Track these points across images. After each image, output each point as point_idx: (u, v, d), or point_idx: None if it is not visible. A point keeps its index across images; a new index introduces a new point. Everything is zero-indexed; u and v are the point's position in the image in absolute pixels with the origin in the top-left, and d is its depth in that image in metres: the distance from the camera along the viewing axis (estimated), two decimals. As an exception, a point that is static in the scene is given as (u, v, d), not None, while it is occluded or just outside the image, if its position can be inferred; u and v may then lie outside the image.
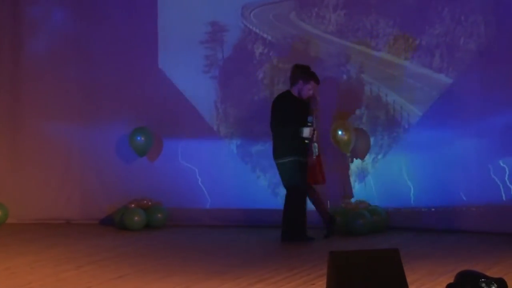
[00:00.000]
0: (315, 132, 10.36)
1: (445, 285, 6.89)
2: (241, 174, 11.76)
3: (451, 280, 6.91)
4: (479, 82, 10.70)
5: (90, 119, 12.27)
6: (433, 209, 10.83)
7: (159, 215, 11.70)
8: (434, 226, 10.84)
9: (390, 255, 6.83)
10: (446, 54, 10.89)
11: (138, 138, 11.86)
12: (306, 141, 10.29)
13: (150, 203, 11.75)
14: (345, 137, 11.12)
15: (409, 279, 6.75)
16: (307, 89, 10.32)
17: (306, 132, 10.26)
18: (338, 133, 11.13)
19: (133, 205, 11.66)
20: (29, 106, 12.40)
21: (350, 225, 10.80)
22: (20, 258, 10.03)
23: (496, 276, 6.96)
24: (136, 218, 11.53)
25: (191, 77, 11.92)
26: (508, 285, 6.88)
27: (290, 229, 10.35)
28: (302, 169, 10.35)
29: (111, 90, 12.19)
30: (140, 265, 9.54)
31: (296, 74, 10.35)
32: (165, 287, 8.59)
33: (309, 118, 10.31)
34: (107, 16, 12.23)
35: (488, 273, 7.00)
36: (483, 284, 6.74)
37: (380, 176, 11.25)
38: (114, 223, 11.78)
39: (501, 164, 10.62)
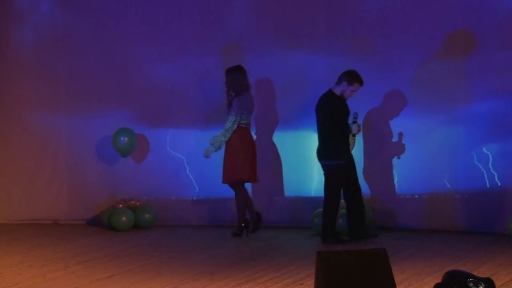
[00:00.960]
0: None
1: (432, 285, 6.90)
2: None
3: (439, 280, 6.91)
4: (463, 70, 10.70)
5: (76, 112, 12.20)
6: (416, 196, 10.83)
7: (147, 215, 11.69)
8: (420, 226, 10.86)
9: (377, 255, 6.83)
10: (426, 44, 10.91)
11: (122, 138, 11.81)
12: (353, 137, 10.40)
13: (138, 203, 11.73)
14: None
15: (396, 279, 6.76)
16: (350, 91, 10.32)
17: (355, 128, 10.29)
18: None
19: (120, 205, 11.65)
20: (15, 98, 12.35)
21: (336, 224, 10.78)
22: (8, 259, 10.01)
23: (483, 275, 6.98)
24: (123, 218, 11.52)
25: (178, 68, 11.88)
26: (496, 284, 6.90)
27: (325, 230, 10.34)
28: (340, 172, 10.36)
29: (97, 81, 12.13)
30: (128, 265, 9.53)
31: (342, 75, 10.34)
32: (153, 286, 8.58)
33: (354, 115, 10.35)
34: (93, 6, 12.16)
35: (475, 273, 7.02)
36: (471, 284, 6.75)
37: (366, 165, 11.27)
38: (102, 224, 11.77)
39: (485, 151, 10.64)
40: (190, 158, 11.80)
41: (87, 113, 12.16)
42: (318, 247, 7.80)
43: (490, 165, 10.59)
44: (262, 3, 11.61)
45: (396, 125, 11.03)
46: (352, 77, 10.25)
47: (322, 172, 10.61)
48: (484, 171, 10.66)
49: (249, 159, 10.87)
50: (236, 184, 10.88)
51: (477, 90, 10.65)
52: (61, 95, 12.24)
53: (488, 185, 10.65)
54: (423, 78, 10.88)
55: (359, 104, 10.76)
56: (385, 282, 6.71)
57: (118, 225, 11.49)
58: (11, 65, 12.35)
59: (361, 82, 10.30)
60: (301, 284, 8.37)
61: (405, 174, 11.05)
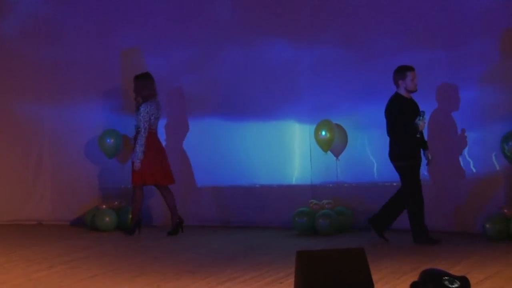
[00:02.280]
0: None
1: (409, 283, 6.93)
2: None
3: (415, 278, 6.95)
4: (441, 60, 10.81)
5: (61, 107, 12.19)
6: (394, 184, 10.90)
7: (129, 215, 11.67)
8: (398, 226, 10.89)
9: (356, 254, 6.87)
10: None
11: (108, 140, 11.82)
12: (418, 135, 10.19)
13: (121, 204, 11.73)
14: (328, 136, 11.17)
15: (374, 277, 6.79)
16: (409, 82, 10.20)
17: (421, 125, 10.16)
18: (321, 133, 11.18)
19: (104, 206, 11.64)
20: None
21: (316, 224, 10.85)
22: (-8, 259, 10.01)
23: (459, 274, 7.02)
24: (107, 219, 11.51)
25: (162, 56, 11.91)
26: (471, 282, 6.95)
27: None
28: (415, 171, 10.29)
29: (82, 71, 12.14)
30: (111, 265, 9.53)
31: (394, 79, 10.29)
32: (137, 285, 8.60)
33: (421, 113, 10.18)
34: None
35: (451, 271, 7.06)
36: (446, 282, 6.79)
37: (344, 153, 11.33)
38: (85, 224, 11.74)
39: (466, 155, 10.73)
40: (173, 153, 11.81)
41: (72, 108, 12.12)
42: (298, 246, 7.83)
43: (466, 152, 10.72)
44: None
45: (376, 113, 10.98)
46: (400, 71, 10.20)
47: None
48: (461, 159, 10.84)
49: (158, 163, 11.04)
50: (140, 187, 11.05)
51: (457, 80, 10.75)
52: (46, 85, 12.18)
53: (465, 173, 10.82)
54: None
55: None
56: (363, 281, 6.76)
57: (102, 225, 11.49)
58: None
59: (410, 68, 10.20)
60: (280, 283, 8.39)
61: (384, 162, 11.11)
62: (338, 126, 11.25)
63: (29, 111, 12.16)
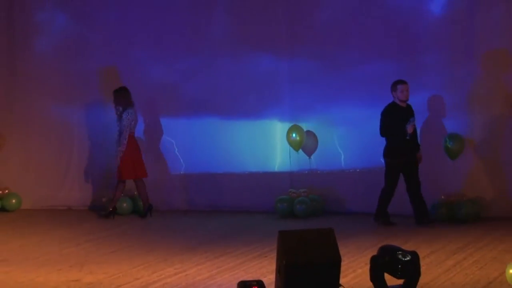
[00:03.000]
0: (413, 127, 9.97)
1: (370, 256, 6.92)
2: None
3: (375, 253, 6.94)
4: (396, 71, 10.63)
5: (87, 108, 12.03)
6: (357, 170, 10.87)
7: (141, 202, 11.56)
8: (361, 209, 10.86)
9: (327, 233, 6.86)
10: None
11: None
12: (408, 138, 9.86)
13: (135, 193, 11.65)
14: (298, 139, 11.05)
15: (342, 252, 6.78)
16: (400, 93, 9.91)
17: (409, 129, 9.86)
18: (292, 135, 11.05)
19: (122, 194, 11.57)
20: (37, 96, 12.11)
21: (294, 209, 10.81)
22: (31, 238, 9.97)
23: (410, 249, 7.01)
24: (124, 205, 11.45)
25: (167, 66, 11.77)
26: (420, 256, 6.93)
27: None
28: (394, 168, 10.00)
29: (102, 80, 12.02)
30: (127, 243, 9.52)
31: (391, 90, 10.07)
32: (149, 259, 8.58)
33: (411, 119, 9.91)
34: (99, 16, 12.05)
35: (403, 247, 7.05)
36: (400, 256, 6.78)
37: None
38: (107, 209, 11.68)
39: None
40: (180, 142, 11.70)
41: (95, 111, 11.92)
42: (280, 227, 7.83)
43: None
44: (235, 16, 11.51)
45: (343, 114, 11.00)
46: (393, 85, 9.97)
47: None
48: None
49: (136, 161, 10.93)
50: (123, 180, 10.97)
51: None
52: (74, 93, 11.97)
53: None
54: (365, 77, 10.83)
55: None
56: (332, 255, 6.74)
57: (120, 210, 11.42)
58: (33, 67, 12.12)
59: (401, 82, 9.94)
60: (265, 256, 8.41)
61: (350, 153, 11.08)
62: (308, 131, 11.16)
63: (61, 114, 12.02)
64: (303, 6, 11.18)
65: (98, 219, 11.14)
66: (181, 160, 11.72)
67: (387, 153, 9.99)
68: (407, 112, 9.97)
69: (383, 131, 9.95)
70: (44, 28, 12.16)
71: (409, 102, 10.00)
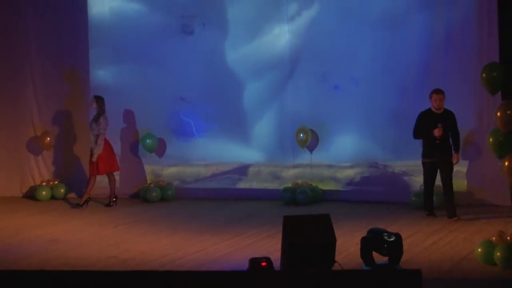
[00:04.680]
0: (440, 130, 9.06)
1: (360, 238, 6.90)
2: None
3: (365, 234, 6.92)
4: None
5: (118, 115, 11.76)
6: (349, 164, 10.82)
7: (169, 192, 11.60)
8: (354, 198, 10.83)
9: (324, 218, 6.85)
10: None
11: (148, 141, 11.62)
12: (437, 142, 9.08)
13: (164, 184, 11.65)
14: (305, 138, 10.97)
15: (336, 234, 6.78)
16: (434, 102, 9.12)
17: (435, 132, 9.06)
18: (300, 135, 10.97)
19: (152, 185, 11.58)
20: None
21: (296, 198, 10.79)
22: (76, 221, 9.99)
23: (394, 231, 6.99)
24: (154, 194, 11.45)
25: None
26: (402, 237, 6.91)
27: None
28: (427, 167, 9.27)
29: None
30: (156, 226, 9.51)
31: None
32: (174, 240, 8.58)
33: (439, 124, 9.04)
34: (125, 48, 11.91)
35: (389, 229, 7.04)
36: (386, 236, 6.78)
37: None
38: (139, 197, 11.67)
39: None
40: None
41: (123, 109, 11.79)
42: (284, 213, 7.82)
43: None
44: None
45: (339, 118, 10.88)
46: (430, 93, 9.19)
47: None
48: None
49: (110, 157, 10.80)
50: (95, 175, 10.78)
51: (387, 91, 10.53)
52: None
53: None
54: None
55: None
56: (329, 236, 6.74)
57: (150, 198, 11.42)
58: None
59: (435, 91, 9.12)
60: (272, 237, 8.39)
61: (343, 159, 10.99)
62: (312, 130, 11.10)
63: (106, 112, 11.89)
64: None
65: (132, 206, 11.13)
66: (200, 155, 11.63)
67: (422, 153, 9.29)
68: (440, 118, 9.08)
69: (413, 133, 9.31)
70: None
71: (451, 110, 9.20)
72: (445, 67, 10.13)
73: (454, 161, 9.11)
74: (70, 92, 11.89)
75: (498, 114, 7.24)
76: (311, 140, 11.03)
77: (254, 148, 11.44)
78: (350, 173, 10.93)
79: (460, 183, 9.96)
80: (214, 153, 11.55)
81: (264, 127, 11.37)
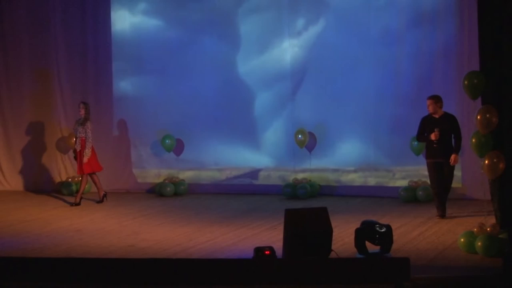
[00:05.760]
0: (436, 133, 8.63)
1: (354, 229, 6.88)
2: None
3: (358, 226, 6.90)
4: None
5: (136, 114, 11.71)
6: (345, 163, 10.75)
7: (182, 187, 11.57)
8: (348, 193, 10.79)
9: (321, 211, 6.84)
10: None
11: (167, 141, 11.58)
12: (434, 145, 8.67)
13: (177, 179, 11.63)
14: (303, 139, 10.91)
15: (333, 225, 6.76)
16: (428, 107, 8.79)
17: (431, 136, 8.67)
18: (298, 136, 10.90)
19: (166, 181, 11.56)
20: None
21: (297, 192, 10.76)
22: (98, 213, 9.97)
23: (385, 223, 6.97)
24: (168, 189, 11.42)
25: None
26: (392, 228, 6.89)
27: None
28: (429, 166, 8.80)
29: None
30: (170, 218, 9.50)
31: None
32: (186, 230, 8.56)
33: (436, 128, 8.62)
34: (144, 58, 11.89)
35: (380, 221, 7.01)
36: (377, 228, 6.76)
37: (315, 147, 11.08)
38: (155, 192, 11.63)
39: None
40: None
41: (139, 113, 11.75)
42: (286, 206, 7.81)
43: None
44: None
45: (336, 123, 10.80)
46: None
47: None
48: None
49: (95, 158, 10.55)
50: (86, 174, 10.50)
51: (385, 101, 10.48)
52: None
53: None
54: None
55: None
56: (326, 227, 6.72)
57: (165, 193, 11.41)
58: None
59: (427, 98, 8.77)
60: (275, 228, 8.37)
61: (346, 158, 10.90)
62: (310, 132, 11.06)
63: (127, 119, 11.88)
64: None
65: (148, 199, 11.10)
66: (213, 157, 11.53)
67: (425, 155, 8.90)
68: (438, 122, 8.65)
69: (416, 137, 9.00)
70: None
71: (453, 114, 8.86)
72: (440, 77, 10.05)
73: (450, 161, 8.59)
74: (94, 101, 11.85)
75: (478, 117, 7.23)
76: (309, 141, 11.00)
77: (264, 154, 11.31)
78: (353, 177, 10.83)
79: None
80: (227, 158, 11.40)
81: (273, 134, 11.23)
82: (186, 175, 11.63)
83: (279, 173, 11.07)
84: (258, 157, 11.32)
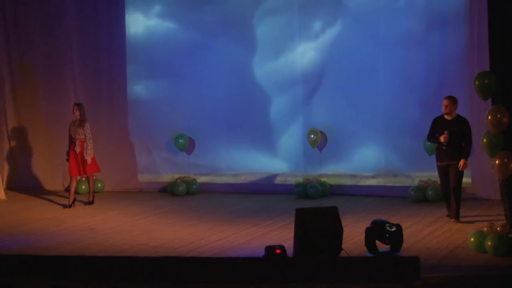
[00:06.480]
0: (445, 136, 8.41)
1: (364, 228, 6.86)
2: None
3: (369, 225, 6.88)
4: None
5: (147, 116, 11.71)
6: (355, 162, 10.66)
7: (194, 186, 11.56)
8: (358, 192, 10.73)
9: (332, 210, 6.82)
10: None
11: (180, 140, 11.60)
12: (443, 147, 8.47)
13: (189, 179, 11.62)
14: (315, 139, 10.85)
15: (343, 224, 6.74)
16: (442, 107, 8.53)
17: (440, 138, 8.46)
18: (311, 136, 10.85)
19: (178, 180, 11.56)
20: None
21: (307, 192, 10.73)
22: (111, 212, 9.99)
23: (395, 222, 6.94)
24: (180, 188, 11.42)
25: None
26: (402, 227, 6.86)
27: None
28: (438, 169, 8.65)
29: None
30: (182, 216, 9.51)
31: None
32: (198, 229, 8.57)
33: (445, 131, 8.42)
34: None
35: (390, 221, 6.99)
36: (387, 227, 6.74)
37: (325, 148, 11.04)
38: (167, 191, 11.62)
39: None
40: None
41: (153, 115, 11.69)
42: (296, 205, 7.79)
43: None
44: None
45: (345, 123, 10.72)
46: None
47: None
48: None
49: (95, 160, 10.43)
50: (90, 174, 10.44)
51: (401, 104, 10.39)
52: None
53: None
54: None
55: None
56: (336, 226, 6.70)
57: (177, 192, 11.40)
58: None
59: (445, 97, 8.56)
60: (286, 227, 8.34)
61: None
62: (321, 132, 10.99)
63: (136, 122, 11.86)
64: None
65: (161, 198, 11.11)
66: (228, 162, 11.45)
67: (435, 157, 8.71)
68: (450, 124, 8.43)
69: (427, 138, 8.77)
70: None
71: (465, 117, 8.64)
72: (457, 79, 9.91)
73: (459, 166, 8.34)
74: (107, 102, 11.89)
75: (489, 117, 7.18)
76: (320, 141, 10.96)
77: (280, 159, 11.16)
78: (372, 182, 10.68)
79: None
80: (242, 163, 11.28)
81: (289, 139, 11.05)
82: (201, 180, 11.53)
83: (295, 179, 10.89)
84: (273, 162, 11.19)
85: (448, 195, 8.56)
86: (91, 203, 10.46)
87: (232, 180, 11.41)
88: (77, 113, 10.34)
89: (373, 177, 10.64)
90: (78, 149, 10.28)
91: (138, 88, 11.80)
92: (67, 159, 10.44)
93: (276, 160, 11.22)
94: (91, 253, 7.32)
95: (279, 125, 11.16)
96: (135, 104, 11.77)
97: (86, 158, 10.28)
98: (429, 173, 9.91)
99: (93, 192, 10.63)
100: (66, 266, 6.53)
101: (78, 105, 10.47)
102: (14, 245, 7.78)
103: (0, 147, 12.05)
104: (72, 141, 10.33)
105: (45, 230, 8.67)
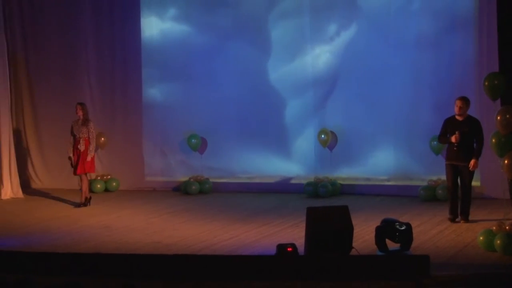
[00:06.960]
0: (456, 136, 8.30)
1: (375, 227, 6.86)
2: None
3: (379, 224, 6.88)
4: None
5: (162, 114, 11.73)
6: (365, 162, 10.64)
7: (207, 185, 11.58)
8: (369, 192, 10.73)
9: (342, 209, 6.83)
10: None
11: (193, 140, 11.65)
12: (455, 148, 8.35)
13: (202, 178, 11.65)
14: (326, 139, 10.86)
15: (353, 223, 6.75)
16: (455, 107, 8.38)
17: (452, 138, 8.36)
18: (321, 136, 10.85)
19: (192, 179, 11.59)
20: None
21: (318, 191, 10.74)
22: (125, 211, 10.04)
23: (405, 221, 6.94)
24: (193, 187, 11.45)
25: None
26: (412, 226, 6.85)
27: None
28: (447, 168, 8.51)
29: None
30: (195, 215, 9.54)
31: None
32: (211, 227, 8.59)
33: (456, 132, 8.30)
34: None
35: (400, 219, 6.98)
36: (397, 226, 6.74)
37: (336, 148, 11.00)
38: (181, 190, 11.64)
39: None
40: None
41: (167, 117, 11.75)
42: (307, 204, 7.79)
43: None
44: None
45: (354, 125, 10.72)
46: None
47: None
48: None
49: (93, 159, 10.37)
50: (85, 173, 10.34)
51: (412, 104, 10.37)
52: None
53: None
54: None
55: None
56: (347, 225, 6.70)
57: (190, 191, 11.43)
58: None
59: (458, 98, 8.41)
60: (297, 226, 8.36)
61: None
62: (332, 132, 11.00)
63: (147, 122, 11.94)
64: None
65: (174, 197, 11.15)
66: (243, 165, 11.44)
67: (445, 156, 8.59)
68: (461, 125, 8.30)
69: (438, 138, 8.69)
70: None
71: (476, 117, 8.53)
72: (467, 81, 9.85)
73: (470, 166, 8.25)
74: (123, 104, 11.94)
75: (498, 118, 7.17)
76: (331, 141, 10.96)
77: (295, 162, 11.12)
78: (365, 169, 10.72)
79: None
80: (257, 167, 11.24)
81: (304, 142, 10.99)
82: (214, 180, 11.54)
83: (308, 180, 10.88)
84: (288, 165, 11.14)
85: (454, 197, 8.43)
86: (84, 205, 10.19)
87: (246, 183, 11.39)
88: (80, 113, 10.30)
89: (388, 180, 10.59)
90: (82, 148, 10.21)
91: (153, 91, 11.81)
92: (69, 158, 10.29)
93: (290, 163, 11.18)
94: (106, 251, 7.36)
95: (293, 128, 11.13)
96: (149, 106, 11.78)
97: (88, 155, 10.20)
98: (441, 175, 9.78)
99: (89, 192, 10.39)
100: (82, 263, 6.59)
101: (81, 105, 10.43)
102: (31, 243, 7.86)
103: (17, 145, 12.15)
104: (75, 140, 10.28)
105: (61, 228, 8.74)
